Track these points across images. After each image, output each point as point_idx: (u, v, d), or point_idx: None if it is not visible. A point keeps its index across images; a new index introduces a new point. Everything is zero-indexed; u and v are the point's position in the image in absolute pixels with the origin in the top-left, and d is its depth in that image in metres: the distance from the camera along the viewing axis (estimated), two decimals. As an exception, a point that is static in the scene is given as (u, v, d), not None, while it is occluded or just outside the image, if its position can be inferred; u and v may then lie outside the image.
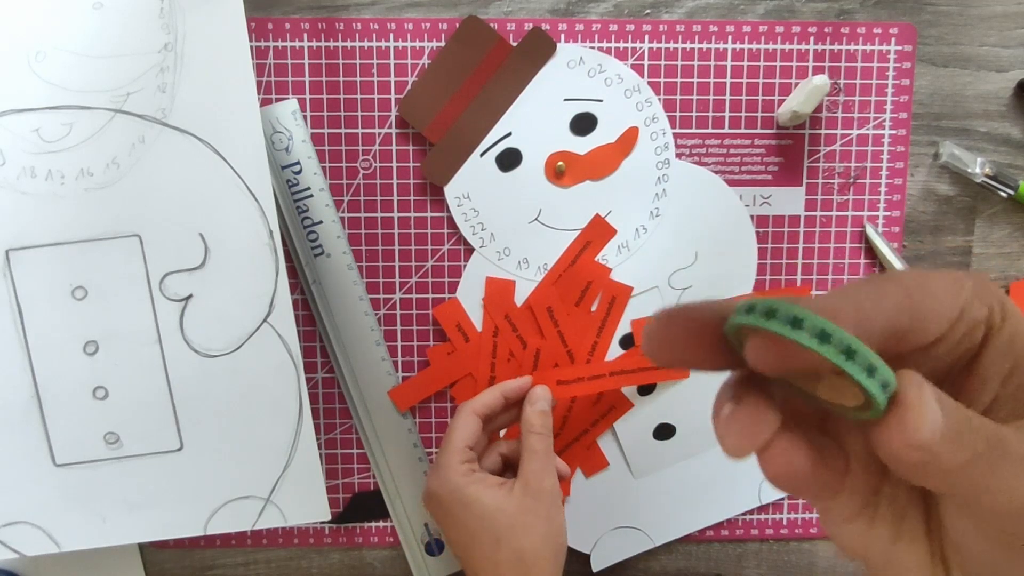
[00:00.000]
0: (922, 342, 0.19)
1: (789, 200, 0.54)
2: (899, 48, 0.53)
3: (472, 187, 0.52)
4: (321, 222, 0.52)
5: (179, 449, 0.48)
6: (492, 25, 0.51)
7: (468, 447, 0.46)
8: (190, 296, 0.47)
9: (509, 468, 0.50)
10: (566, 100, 0.52)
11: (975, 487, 0.18)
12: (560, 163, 0.52)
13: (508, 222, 0.52)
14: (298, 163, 0.51)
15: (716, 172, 0.53)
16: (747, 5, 0.52)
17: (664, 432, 0.55)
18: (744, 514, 0.56)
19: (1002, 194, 0.53)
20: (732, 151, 0.53)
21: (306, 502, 0.49)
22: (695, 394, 0.54)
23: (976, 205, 0.55)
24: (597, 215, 0.53)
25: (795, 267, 0.54)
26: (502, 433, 0.53)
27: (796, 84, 0.53)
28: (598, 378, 0.51)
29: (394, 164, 0.52)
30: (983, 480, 0.18)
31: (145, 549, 0.55)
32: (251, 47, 0.49)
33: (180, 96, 0.45)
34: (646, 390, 0.54)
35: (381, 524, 0.55)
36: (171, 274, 0.47)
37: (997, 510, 0.18)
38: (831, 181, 0.54)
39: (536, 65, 0.51)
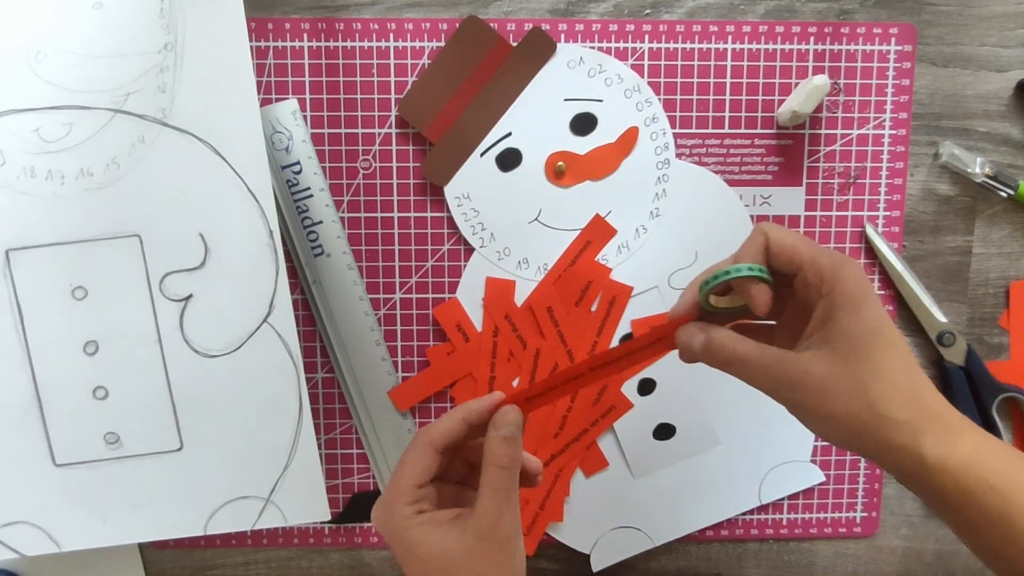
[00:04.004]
0: (789, 270, 0.37)
1: (789, 200, 0.54)
2: (899, 48, 0.53)
3: (472, 187, 0.52)
4: (321, 222, 0.52)
5: (179, 449, 0.48)
6: (492, 25, 0.51)
7: (417, 486, 0.39)
8: (190, 296, 0.47)
9: (474, 473, 0.43)
10: (566, 100, 0.52)
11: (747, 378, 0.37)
12: (560, 163, 0.52)
13: (508, 222, 0.53)
14: (298, 163, 0.51)
15: (716, 172, 0.53)
16: (747, 5, 0.52)
17: (664, 432, 0.55)
18: (744, 514, 0.56)
19: (1002, 194, 0.53)
20: (732, 151, 0.53)
21: (306, 502, 0.49)
22: (695, 394, 0.54)
23: (976, 205, 0.55)
24: (597, 215, 0.53)
25: (795, 267, 0.54)
26: None
27: (796, 84, 0.53)
28: (575, 379, 0.40)
29: (394, 164, 0.52)
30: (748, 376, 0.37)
31: (145, 549, 0.55)
32: (251, 47, 0.49)
33: (180, 96, 0.45)
34: (646, 390, 0.54)
35: (381, 524, 0.55)
36: (171, 274, 0.47)
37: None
38: (831, 181, 0.54)
39: (536, 65, 0.51)
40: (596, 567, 0.55)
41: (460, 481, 0.43)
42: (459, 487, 0.43)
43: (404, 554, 0.39)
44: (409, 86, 0.51)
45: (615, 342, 0.54)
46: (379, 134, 0.52)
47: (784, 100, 0.53)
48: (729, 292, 0.39)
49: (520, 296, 0.53)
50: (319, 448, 0.54)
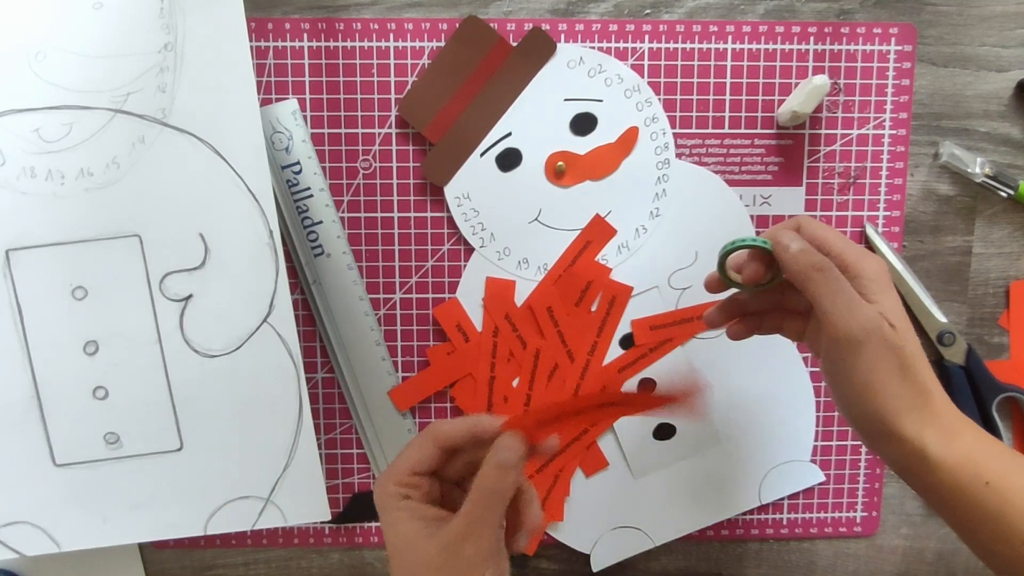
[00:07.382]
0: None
1: (789, 200, 0.54)
2: (899, 48, 0.53)
3: (472, 187, 0.52)
4: (321, 222, 0.52)
5: (179, 449, 0.48)
6: (492, 25, 0.51)
7: (412, 472, 0.39)
8: (190, 296, 0.47)
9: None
10: (566, 100, 0.52)
11: (819, 306, 0.38)
12: (560, 163, 0.52)
13: (508, 222, 0.53)
14: (298, 163, 0.51)
15: (716, 172, 0.53)
16: (747, 5, 0.52)
17: (664, 432, 0.55)
18: (744, 514, 0.56)
19: (1002, 194, 0.53)
20: (732, 151, 0.53)
21: (306, 502, 0.49)
22: (695, 394, 0.54)
23: (976, 205, 0.55)
24: (597, 215, 0.53)
25: (795, 267, 0.54)
26: None
27: (796, 84, 0.53)
28: (583, 412, 0.41)
29: (394, 164, 0.52)
30: (824, 301, 0.37)
31: (145, 549, 0.55)
32: (251, 47, 0.49)
33: (180, 96, 0.45)
34: (646, 390, 0.54)
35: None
36: (171, 274, 0.47)
37: (829, 335, 0.37)
38: (831, 181, 0.54)
39: (536, 65, 0.51)
40: (596, 567, 0.55)
41: (460, 484, 0.43)
42: (458, 490, 0.43)
43: (384, 529, 0.39)
44: (409, 86, 0.51)
45: (615, 343, 0.54)
46: (379, 134, 0.52)
47: (784, 100, 0.53)
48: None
49: (520, 296, 0.53)
50: (319, 448, 0.54)
